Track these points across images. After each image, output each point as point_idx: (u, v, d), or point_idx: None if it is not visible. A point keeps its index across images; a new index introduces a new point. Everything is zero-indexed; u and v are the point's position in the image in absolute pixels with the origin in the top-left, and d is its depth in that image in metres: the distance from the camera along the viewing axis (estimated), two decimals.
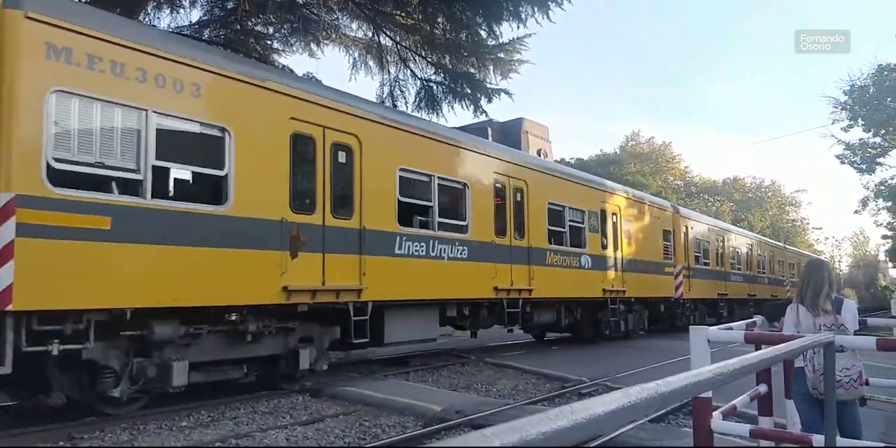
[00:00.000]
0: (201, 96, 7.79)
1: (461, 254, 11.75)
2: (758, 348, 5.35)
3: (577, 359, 13.88)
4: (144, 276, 7.09)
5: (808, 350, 4.10)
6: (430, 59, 15.72)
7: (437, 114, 16.00)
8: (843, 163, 36.40)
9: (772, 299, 28.02)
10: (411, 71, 16.03)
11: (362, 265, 9.61)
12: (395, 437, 7.01)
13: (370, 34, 16.20)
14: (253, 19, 15.54)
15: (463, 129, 15.95)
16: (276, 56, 16.39)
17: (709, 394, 3.50)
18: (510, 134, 34.04)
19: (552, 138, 37.31)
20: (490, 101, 15.59)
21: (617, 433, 6.43)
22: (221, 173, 7.93)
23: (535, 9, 13.56)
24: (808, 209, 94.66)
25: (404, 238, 10.52)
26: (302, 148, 8.97)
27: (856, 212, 58.25)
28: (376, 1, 15.22)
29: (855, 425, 4.42)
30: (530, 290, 13.44)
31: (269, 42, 16.40)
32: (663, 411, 7.70)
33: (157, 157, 7.27)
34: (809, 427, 4.64)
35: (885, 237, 53.53)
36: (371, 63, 16.42)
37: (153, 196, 7.20)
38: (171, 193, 7.84)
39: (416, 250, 10.72)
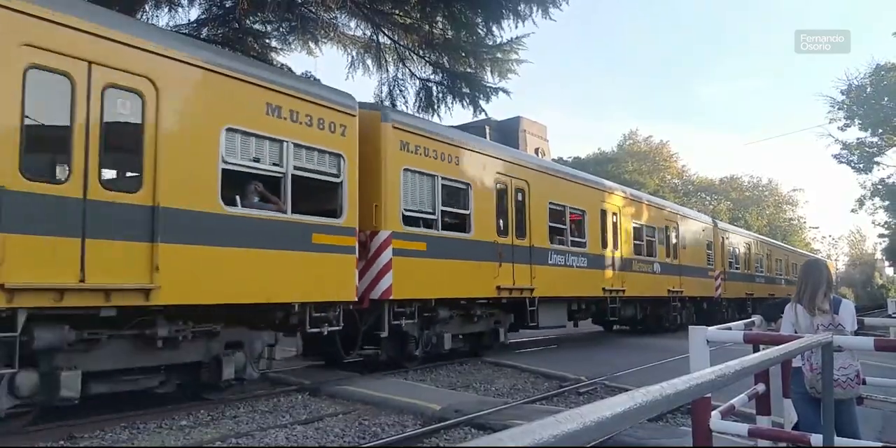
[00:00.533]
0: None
1: (582, 263, 15.88)
2: (756, 348, 5.40)
3: (574, 358, 13.91)
4: (444, 278, 11.42)
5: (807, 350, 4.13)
6: (428, 59, 15.74)
7: (436, 114, 16.01)
8: (840, 162, 36.53)
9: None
10: (410, 70, 16.04)
11: (532, 272, 13.63)
12: (395, 436, 7.03)
13: (369, 33, 16.21)
14: (251, 18, 15.54)
15: (462, 127, 16.02)
16: (274, 54, 16.41)
17: (708, 394, 3.54)
18: (508, 133, 34.13)
19: (549, 137, 37.34)
20: (489, 100, 15.63)
21: (616, 432, 6.46)
22: (466, 212, 12.19)
23: (535, 8, 13.57)
24: (804, 208, 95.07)
25: (552, 252, 14.64)
26: (509, 197, 13.34)
27: (853, 211, 58.55)
28: (375, 0, 15.22)
29: (852, 424, 4.45)
30: (623, 291, 17.60)
31: (267, 40, 16.40)
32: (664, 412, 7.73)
33: (442, 204, 11.58)
34: (807, 426, 4.68)
35: (881, 236, 53.76)
36: (369, 62, 16.43)
37: (441, 229, 11.53)
38: (448, 226, 11.86)
39: (558, 260, 14.83)
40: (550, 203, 14.64)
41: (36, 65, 6.33)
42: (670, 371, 11.82)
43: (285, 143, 8.72)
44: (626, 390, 5.61)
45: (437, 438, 7.11)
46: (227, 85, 8.12)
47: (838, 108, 34.09)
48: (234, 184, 8.29)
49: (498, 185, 13.03)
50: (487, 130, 32.72)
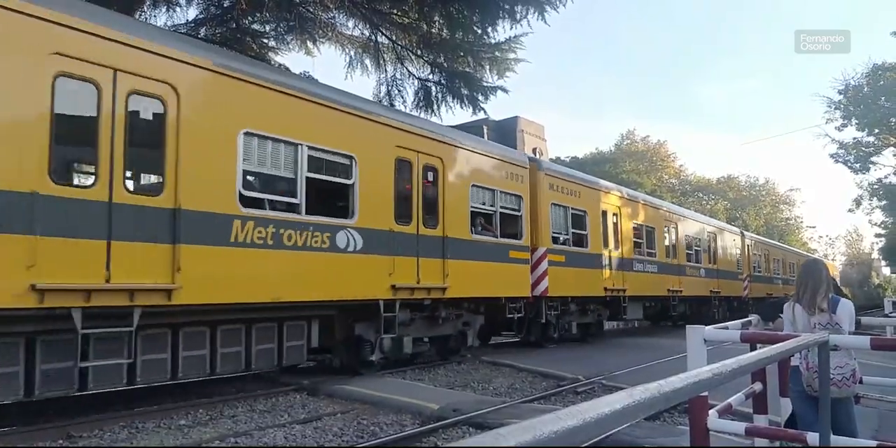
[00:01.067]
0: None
1: (653, 269, 20.38)
2: (753, 347, 5.42)
3: (572, 357, 13.92)
4: (571, 280, 15.59)
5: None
6: (426, 59, 15.74)
7: (436, 114, 16.01)
8: (837, 162, 36.60)
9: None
10: (408, 70, 16.05)
11: (625, 278, 18.13)
12: (393, 435, 7.05)
13: (367, 33, 16.21)
14: (249, 17, 15.53)
15: (460, 127, 16.01)
16: (272, 54, 16.41)
17: (705, 393, 3.55)
18: (506, 132, 34.03)
19: (547, 137, 37.30)
20: (487, 98, 15.65)
21: (613, 431, 6.47)
22: (584, 233, 16.72)
23: (531, 9, 13.58)
24: (801, 208, 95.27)
25: (635, 261, 19.11)
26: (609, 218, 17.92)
27: (850, 210, 58.75)
28: (373, 0, 15.23)
29: (850, 423, 4.47)
30: (680, 291, 21.99)
31: (265, 40, 16.39)
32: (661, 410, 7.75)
33: (571, 227, 16.25)
34: (805, 424, 4.70)
35: (878, 236, 53.85)
36: (367, 62, 16.43)
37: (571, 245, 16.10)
38: (575, 243, 16.41)
39: (640, 267, 19.31)
40: (634, 226, 19.88)
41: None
42: (667, 371, 11.80)
43: (496, 192, 13.41)
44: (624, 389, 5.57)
45: (435, 437, 7.13)
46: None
47: (835, 109, 34.15)
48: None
49: (603, 212, 17.60)
50: (485, 130, 32.68)
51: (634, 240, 19.32)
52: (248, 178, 8.71)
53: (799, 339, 3.07)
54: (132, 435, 7.02)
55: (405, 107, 16.15)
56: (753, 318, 6.09)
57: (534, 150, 35.64)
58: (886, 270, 78.20)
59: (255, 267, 8.25)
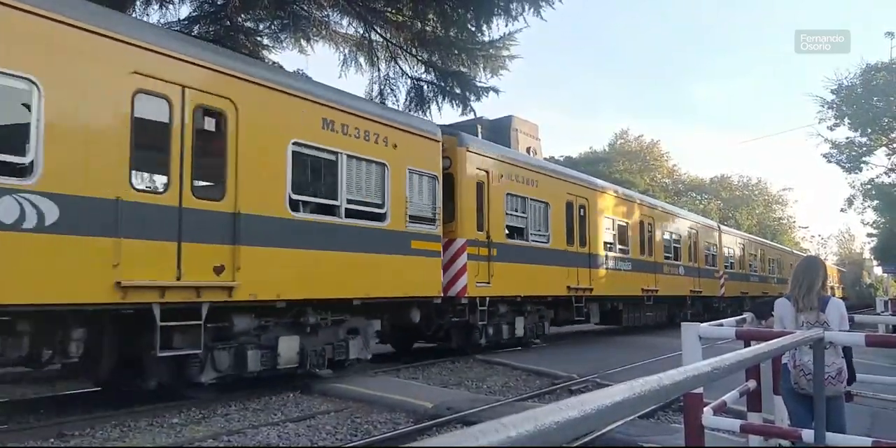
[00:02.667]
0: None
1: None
2: (747, 345, 5.42)
3: (565, 356, 13.94)
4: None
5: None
6: (420, 57, 15.72)
7: (427, 112, 15.99)
8: (829, 162, 36.64)
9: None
10: (401, 69, 16.02)
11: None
12: (387, 434, 7.03)
13: (361, 31, 16.18)
14: (243, 15, 15.47)
15: (454, 126, 15.95)
16: (266, 52, 16.35)
17: (700, 389, 3.55)
18: (500, 131, 34.01)
19: (541, 136, 37.32)
20: (479, 99, 15.64)
21: (608, 429, 6.47)
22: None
23: (526, 6, 13.58)
24: (794, 207, 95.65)
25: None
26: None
27: (842, 210, 59.00)
28: None
29: (839, 420, 4.47)
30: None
31: (258, 38, 16.34)
32: (655, 406, 7.75)
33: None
34: (796, 422, 4.71)
35: (870, 236, 54.04)
36: (361, 60, 16.40)
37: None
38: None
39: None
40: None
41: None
42: (662, 368, 11.83)
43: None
44: None
45: (429, 436, 7.11)
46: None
47: (828, 108, 34.24)
48: None
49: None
50: (479, 129, 32.66)
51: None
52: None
53: (794, 335, 3.07)
54: (124, 433, 6.98)
55: (398, 106, 16.11)
56: (748, 315, 6.09)
57: (528, 149, 35.68)
58: (878, 270, 78.54)
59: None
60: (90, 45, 6.78)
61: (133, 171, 7.11)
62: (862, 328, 11.65)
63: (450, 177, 12.41)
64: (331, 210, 9.69)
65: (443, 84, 15.78)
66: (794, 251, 46.89)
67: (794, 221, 78.94)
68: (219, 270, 7.82)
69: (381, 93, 16.39)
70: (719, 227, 30.32)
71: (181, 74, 7.61)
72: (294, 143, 8.99)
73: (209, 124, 7.98)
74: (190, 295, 7.51)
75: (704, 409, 4.00)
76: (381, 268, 10.36)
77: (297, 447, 6.68)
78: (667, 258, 22.02)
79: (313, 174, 9.62)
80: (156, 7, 14.69)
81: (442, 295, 11.76)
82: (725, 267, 28.58)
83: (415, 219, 11.17)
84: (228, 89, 8.12)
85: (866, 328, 12.74)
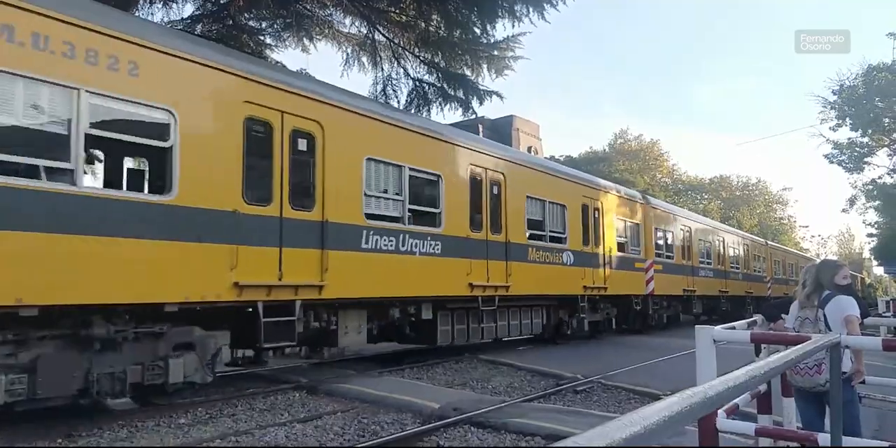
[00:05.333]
0: None
1: (710, 275, 25.69)
2: (757, 347, 5.44)
3: (569, 356, 13.93)
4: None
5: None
6: (423, 58, 15.69)
7: (428, 113, 15.97)
8: (831, 162, 36.60)
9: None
10: (404, 69, 15.99)
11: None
12: (395, 435, 7.02)
13: (364, 30, 16.16)
14: (246, 14, 15.46)
15: (455, 125, 15.93)
16: (268, 51, 16.33)
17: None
18: (501, 131, 34.13)
19: (543, 136, 37.35)
20: (482, 102, 15.59)
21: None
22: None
23: (530, 8, 13.56)
24: (794, 207, 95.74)
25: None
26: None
27: (843, 210, 59.09)
28: None
29: (854, 425, 4.48)
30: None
31: (261, 37, 16.33)
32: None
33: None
34: (806, 424, 4.73)
35: (870, 236, 54.02)
36: (364, 60, 16.37)
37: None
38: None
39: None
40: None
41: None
42: (666, 370, 11.92)
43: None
44: (623, 388, 5.73)
45: (437, 437, 7.10)
46: None
47: (830, 109, 34.21)
48: None
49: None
50: (480, 129, 32.70)
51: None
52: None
53: (815, 340, 3.07)
54: (132, 433, 6.97)
55: (399, 105, 16.08)
56: (758, 318, 6.10)
57: (529, 149, 35.72)
58: (879, 270, 78.52)
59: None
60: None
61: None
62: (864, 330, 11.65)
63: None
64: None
65: (445, 87, 15.75)
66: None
67: (795, 221, 79.05)
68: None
69: (384, 92, 16.36)
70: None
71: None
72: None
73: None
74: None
75: (718, 411, 4.00)
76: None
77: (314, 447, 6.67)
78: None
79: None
80: (159, 6, 14.69)
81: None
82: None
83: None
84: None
85: (868, 329, 12.74)
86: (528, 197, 13.99)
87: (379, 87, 16.52)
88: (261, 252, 8.24)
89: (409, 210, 10.84)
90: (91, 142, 7.05)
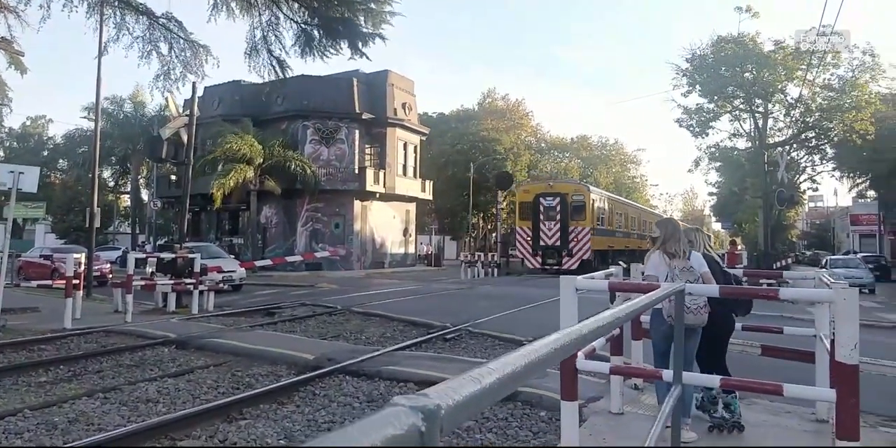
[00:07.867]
0: None
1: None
2: (612, 295, 5.98)
3: (437, 307, 14.44)
4: None
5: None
6: (302, 3, 15.16)
7: (321, 58, 15.48)
8: (681, 126, 39.12)
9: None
10: (284, 14, 15.40)
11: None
12: (270, 386, 7.07)
13: None
14: None
15: (329, 78, 15.71)
16: None
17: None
18: (376, 86, 33.68)
19: (417, 92, 37.29)
20: (366, 44, 15.32)
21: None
22: None
23: None
24: (647, 167, 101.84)
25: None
26: None
27: (689, 171, 63.53)
28: None
29: (695, 350, 5.13)
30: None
31: None
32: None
33: None
34: (662, 363, 5.32)
35: (711, 194, 58.77)
36: (234, 5, 15.57)
37: None
38: None
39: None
40: None
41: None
42: (527, 317, 12.68)
43: None
44: (490, 336, 6.16)
45: (312, 386, 7.22)
46: None
47: (682, 76, 36.46)
48: None
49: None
50: (355, 83, 32.17)
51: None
52: None
53: (665, 287, 3.47)
54: None
55: (283, 51, 15.50)
56: (615, 269, 6.66)
57: (403, 105, 35.64)
58: (717, 226, 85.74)
59: None
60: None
61: None
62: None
63: None
64: None
65: (329, 29, 15.30)
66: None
67: (647, 180, 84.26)
68: None
69: (264, 38, 15.65)
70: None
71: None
72: None
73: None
74: None
75: (578, 353, 4.43)
76: None
77: (297, 446, 6.59)
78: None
79: None
80: None
81: None
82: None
83: None
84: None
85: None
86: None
87: (258, 33, 15.79)
88: None
89: None
90: None
